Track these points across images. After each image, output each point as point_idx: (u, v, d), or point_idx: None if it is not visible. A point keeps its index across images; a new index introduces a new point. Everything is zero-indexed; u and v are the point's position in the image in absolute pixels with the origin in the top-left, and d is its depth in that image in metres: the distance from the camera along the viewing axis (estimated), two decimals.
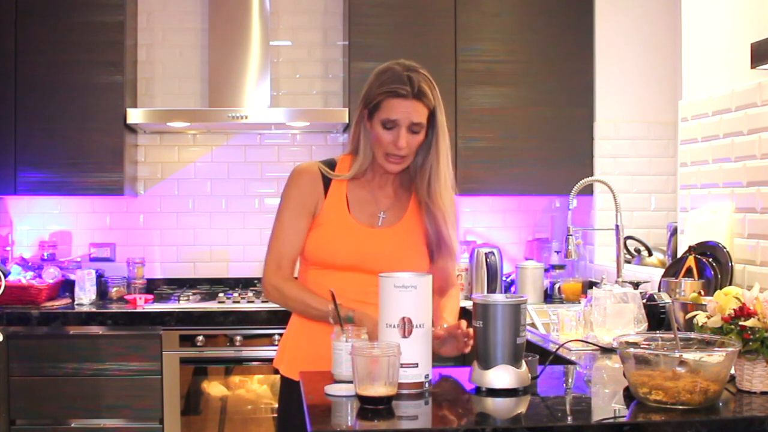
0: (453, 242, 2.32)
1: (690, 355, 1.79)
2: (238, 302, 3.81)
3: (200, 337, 3.64)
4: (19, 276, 3.86)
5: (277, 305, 2.37)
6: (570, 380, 2.19)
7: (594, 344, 2.61)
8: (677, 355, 1.79)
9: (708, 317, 1.96)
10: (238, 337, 3.66)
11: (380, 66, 2.26)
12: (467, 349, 2.09)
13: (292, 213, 2.28)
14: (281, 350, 2.41)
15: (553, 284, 4.06)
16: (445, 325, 2.15)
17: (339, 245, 2.26)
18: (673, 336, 1.93)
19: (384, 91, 2.19)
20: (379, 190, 2.32)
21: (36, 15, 3.90)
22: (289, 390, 2.32)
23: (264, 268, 2.30)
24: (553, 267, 4.19)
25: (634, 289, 2.87)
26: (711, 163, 2.99)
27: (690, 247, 2.94)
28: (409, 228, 2.31)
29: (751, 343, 1.86)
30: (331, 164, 2.33)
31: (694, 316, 2.01)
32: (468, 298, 4.01)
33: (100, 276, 4.08)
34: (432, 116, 2.24)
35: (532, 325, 3.36)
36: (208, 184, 4.35)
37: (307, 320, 2.31)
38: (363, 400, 1.77)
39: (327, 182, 2.29)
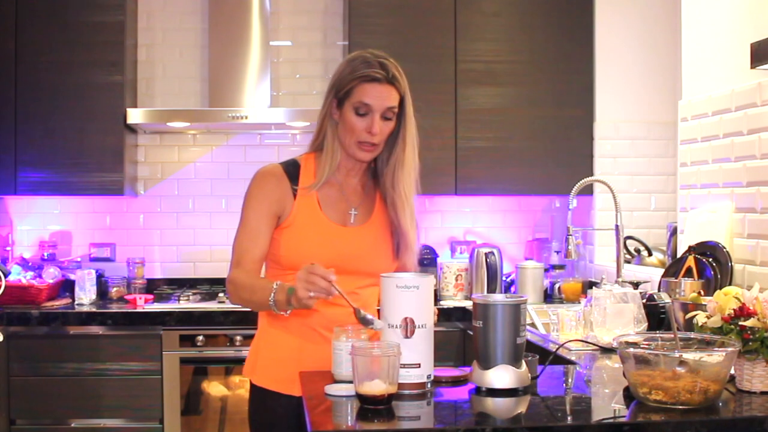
0: (411, 236, 2.27)
1: (690, 355, 1.79)
2: None
3: (200, 337, 3.65)
4: (19, 276, 3.86)
5: (239, 305, 2.26)
6: (570, 380, 2.19)
7: (594, 344, 2.61)
8: (677, 355, 1.80)
9: (708, 317, 1.96)
10: (238, 337, 3.66)
11: (350, 54, 2.24)
12: None
13: (256, 214, 2.22)
14: (252, 359, 2.30)
15: (553, 284, 4.06)
16: None
17: (316, 245, 2.20)
18: (673, 336, 1.93)
19: (357, 76, 2.16)
20: (347, 186, 2.29)
21: (36, 15, 3.90)
22: (262, 400, 2.27)
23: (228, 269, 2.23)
24: (553, 267, 4.19)
25: (634, 289, 2.87)
26: (711, 163, 2.99)
27: (690, 247, 2.95)
28: (379, 225, 2.28)
29: (751, 343, 1.86)
30: (294, 165, 2.28)
31: (694, 316, 2.01)
32: (468, 298, 4.02)
33: (100, 276, 4.08)
34: (401, 104, 2.21)
35: (532, 325, 3.36)
36: (208, 184, 4.35)
37: (277, 326, 2.25)
38: (363, 399, 1.78)
39: (295, 183, 2.24)
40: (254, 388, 2.29)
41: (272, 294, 2.04)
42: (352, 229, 2.25)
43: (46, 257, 4.11)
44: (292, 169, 2.26)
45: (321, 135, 2.26)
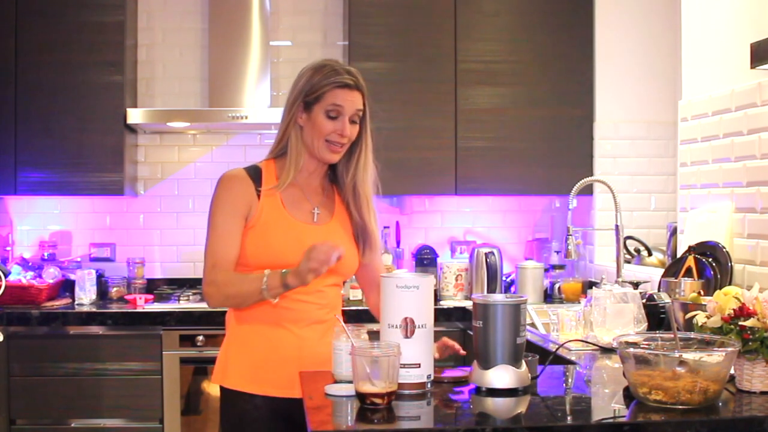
0: (377, 236, 2.37)
1: (690, 355, 1.79)
2: None
3: (200, 337, 3.65)
4: (19, 276, 3.86)
5: (222, 307, 2.27)
6: (570, 380, 2.19)
7: (594, 344, 2.61)
8: (677, 355, 1.80)
9: (708, 317, 1.96)
10: None
11: (311, 64, 2.31)
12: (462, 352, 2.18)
13: (226, 217, 2.23)
14: (222, 365, 2.29)
15: (553, 284, 4.06)
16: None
17: (283, 243, 2.22)
18: (672, 336, 1.93)
19: (330, 82, 2.24)
20: (308, 188, 2.34)
21: (36, 15, 3.90)
22: (234, 402, 2.25)
23: (203, 275, 2.23)
24: (553, 267, 4.19)
25: (634, 289, 2.87)
26: (711, 163, 2.99)
27: (690, 247, 2.95)
28: (341, 224, 2.34)
29: (750, 343, 1.86)
30: (255, 169, 2.31)
31: (694, 316, 2.01)
32: (468, 298, 4.02)
33: (100, 276, 4.08)
34: (363, 110, 2.30)
35: (532, 325, 3.36)
36: (208, 184, 4.34)
37: (247, 328, 2.25)
38: (363, 399, 1.77)
39: (258, 185, 2.27)
40: (226, 392, 2.28)
41: (265, 279, 2.11)
42: (317, 227, 2.29)
43: (46, 257, 4.11)
44: (254, 173, 2.30)
45: (284, 140, 2.31)
